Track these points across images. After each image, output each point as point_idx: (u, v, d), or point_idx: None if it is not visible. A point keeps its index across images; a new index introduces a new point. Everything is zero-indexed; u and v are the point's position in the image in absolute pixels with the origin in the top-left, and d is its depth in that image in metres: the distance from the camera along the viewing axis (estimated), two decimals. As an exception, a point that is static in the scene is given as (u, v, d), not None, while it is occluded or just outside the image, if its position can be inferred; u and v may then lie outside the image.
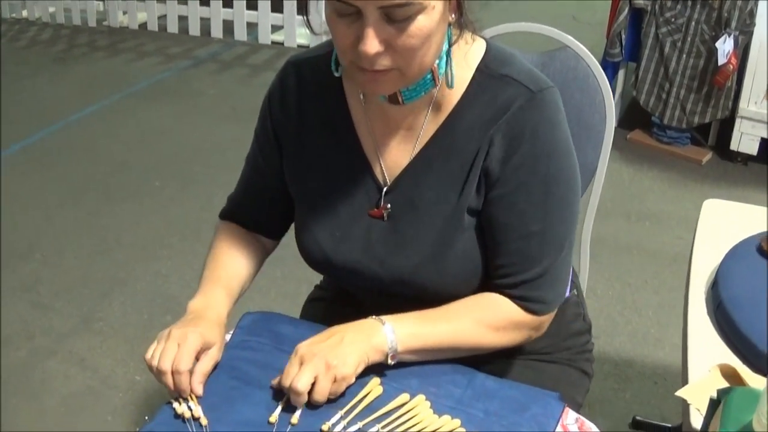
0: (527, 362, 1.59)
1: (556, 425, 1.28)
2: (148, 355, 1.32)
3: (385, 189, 1.41)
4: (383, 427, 1.24)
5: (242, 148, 1.58)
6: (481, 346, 1.39)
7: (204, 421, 1.25)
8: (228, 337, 1.47)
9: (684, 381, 1.44)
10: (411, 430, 1.24)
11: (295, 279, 2.98)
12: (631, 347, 2.84)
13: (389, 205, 1.41)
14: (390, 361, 1.33)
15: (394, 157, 1.41)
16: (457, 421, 1.25)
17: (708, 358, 1.46)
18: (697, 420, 1.33)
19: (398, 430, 1.24)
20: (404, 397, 1.29)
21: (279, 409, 1.27)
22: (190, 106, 4.82)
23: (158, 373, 1.30)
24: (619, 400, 2.62)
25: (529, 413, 1.28)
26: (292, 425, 1.24)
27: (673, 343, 2.86)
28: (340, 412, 1.26)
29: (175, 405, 1.28)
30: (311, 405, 1.27)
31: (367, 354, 1.30)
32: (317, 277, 1.71)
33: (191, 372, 1.29)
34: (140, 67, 5.48)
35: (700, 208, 3.60)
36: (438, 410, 1.27)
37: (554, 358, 1.60)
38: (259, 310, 1.52)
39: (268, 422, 1.25)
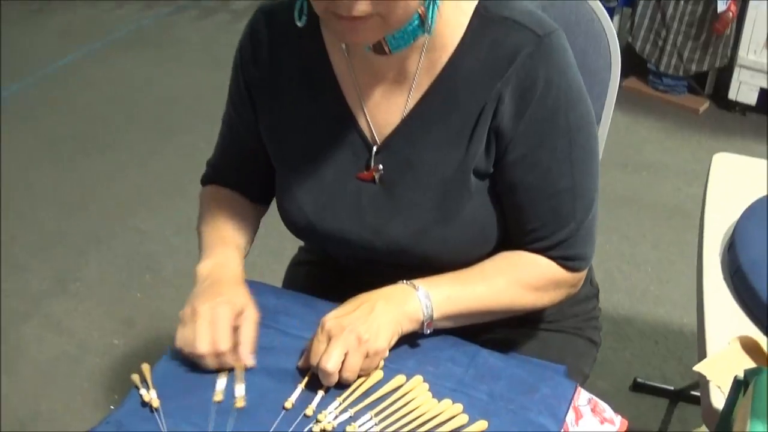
0: (532, 332, 1.48)
1: (568, 408, 1.17)
2: (179, 343, 1.20)
3: (374, 148, 1.28)
4: (376, 414, 1.12)
5: (224, 98, 1.45)
6: (520, 307, 1.30)
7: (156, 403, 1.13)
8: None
9: (701, 354, 1.33)
10: (407, 417, 1.12)
11: (279, 235, 2.86)
12: (629, 304, 2.75)
13: (381, 167, 1.28)
14: (426, 330, 1.22)
15: (384, 113, 1.28)
16: (459, 406, 1.13)
17: (726, 328, 1.35)
18: (718, 399, 1.21)
19: (393, 417, 1.12)
20: (400, 379, 1.17)
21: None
22: (171, 55, 4.65)
23: (197, 358, 1.18)
24: (618, 360, 2.53)
25: (539, 395, 1.17)
26: (286, 409, 1.14)
27: (674, 300, 2.77)
28: (339, 399, 1.14)
29: (142, 392, 1.15)
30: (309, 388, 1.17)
31: (401, 324, 1.19)
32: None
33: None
34: (121, 15, 5.29)
35: (698, 159, 3.56)
36: (437, 393, 1.16)
37: (560, 327, 1.49)
38: None
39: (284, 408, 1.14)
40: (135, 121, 3.89)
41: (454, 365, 1.21)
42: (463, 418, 1.12)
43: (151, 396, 1.13)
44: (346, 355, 1.13)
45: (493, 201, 1.28)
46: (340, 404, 1.14)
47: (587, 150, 1.26)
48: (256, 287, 1.34)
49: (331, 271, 1.52)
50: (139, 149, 3.65)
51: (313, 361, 1.15)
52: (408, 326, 1.21)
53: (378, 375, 1.18)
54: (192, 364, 1.19)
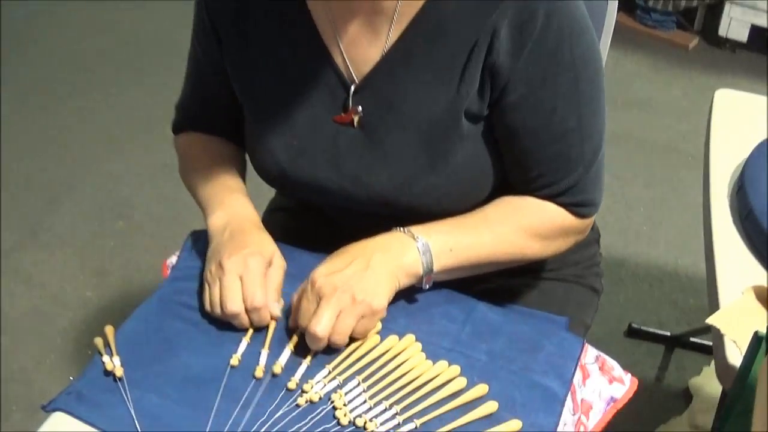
0: (531, 281, 1.37)
1: (575, 368, 1.07)
2: (207, 305, 1.09)
3: (353, 88, 1.15)
4: (364, 380, 1.02)
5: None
6: (526, 257, 1.20)
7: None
8: (172, 261, 1.24)
9: (712, 305, 1.24)
10: (400, 382, 1.02)
11: (256, 176, 2.75)
12: (622, 246, 2.66)
13: (360, 108, 1.15)
14: (425, 285, 1.12)
15: (363, 49, 1.14)
16: (456, 368, 1.04)
17: (739, 276, 1.26)
18: (733, 355, 1.12)
19: (384, 382, 1.02)
20: (392, 339, 1.07)
21: (241, 349, 1.06)
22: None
23: (230, 318, 1.08)
24: (612, 304, 2.44)
25: (543, 354, 1.07)
26: (275, 375, 1.03)
27: (668, 241, 2.69)
28: (328, 367, 1.04)
29: (105, 359, 1.04)
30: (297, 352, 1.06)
31: (398, 279, 1.09)
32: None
33: None
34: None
35: (689, 96, 3.46)
36: (432, 354, 1.06)
37: (561, 275, 1.39)
38: None
39: (230, 366, 1.04)
40: (104, 62, 3.74)
41: (450, 322, 1.11)
42: (461, 382, 1.02)
43: (114, 364, 1.02)
44: (339, 316, 1.03)
45: (487, 146, 1.16)
46: (330, 372, 1.03)
47: (594, 86, 1.14)
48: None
49: (312, 219, 1.40)
50: (111, 91, 3.50)
51: (302, 322, 1.05)
52: (405, 281, 1.10)
53: (374, 339, 1.08)
54: (162, 326, 1.08)
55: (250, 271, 1.07)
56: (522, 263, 1.21)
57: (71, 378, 1.02)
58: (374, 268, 1.06)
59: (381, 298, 1.05)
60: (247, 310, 1.07)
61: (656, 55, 3.84)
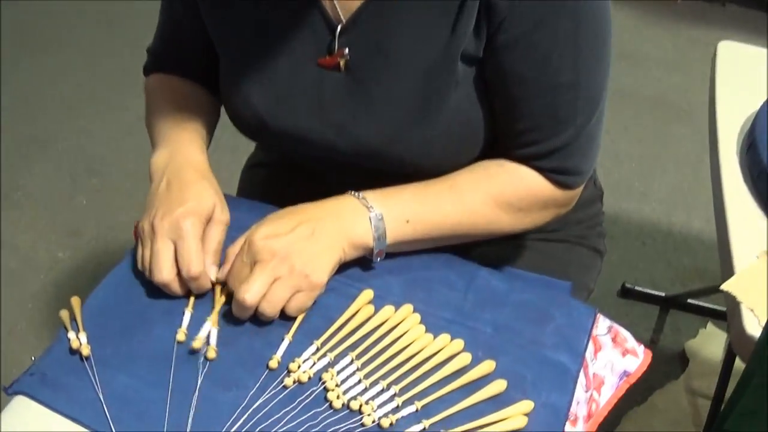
0: (530, 243, 1.28)
1: (588, 341, 0.98)
2: (140, 266, 0.99)
3: (339, 28, 1.04)
4: (358, 357, 0.93)
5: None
6: (496, 231, 1.08)
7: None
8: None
9: (726, 270, 1.16)
10: (398, 358, 0.93)
11: (224, 147, 2.64)
12: (614, 202, 2.57)
13: (347, 51, 1.04)
14: (376, 258, 1.01)
15: None
16: (460, 342, 0.94)
17: (753, 239, 1.17)
18: (751, 324, 1.04)
19: (380, 359, 0.93)
20: (387, 311, 0.97)
21: (185, 322, 0.96)
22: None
23: (161, 286, 0.97)
24: (604, 263, 2.35)
25: (552, 326, 0.98)
26: (199, 352, 0.93)
27: (660, 197, 2.62)
28: (316, 343, 0.94)
29: (70, 336, 0.94)
30: (259, 321, 0.96)
31: (344, 251, 0.98)
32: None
33: None
34: None
35: (678, 49, 3.36)
36: (432, 327, 0.96)
37: (563, 236, 1.30)
38: None
39: (178, 342, 0.94)
40: (77, 14, 3.60)
41: (450, 290, 1.01)
42: (465, 358, 0.93)
43: (80, 341, 0.92)
44: (272, 286, 0.93)
45: (480, 94, 1.05)
46: (318, 349, 0.94)
47: (598, 39, 1.02)
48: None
49: (294, 175, 1.30)
50: (83, 46, 3.37)
51: (232, 284, 0.95)
52: (353, 254, 1.00)
53: (367, 310, 0.98)
54: (133, 296, 0.98)
55: (184, 235, 0.96)
56: (490, 237, 1.10)
57: (32, 358, 0.91)
58: (319, 237, 0.96)
59: (321, 273, 0.95)
60: (179, 281, 0.97)
61: (644, 7, 3.73)
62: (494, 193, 1.05)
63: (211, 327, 0.94)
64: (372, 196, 1.02)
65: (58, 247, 2.40)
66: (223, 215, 1.02)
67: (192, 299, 0.97)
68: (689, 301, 2.19)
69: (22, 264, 2.34)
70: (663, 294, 2.22)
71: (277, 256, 0.93)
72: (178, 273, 0.97)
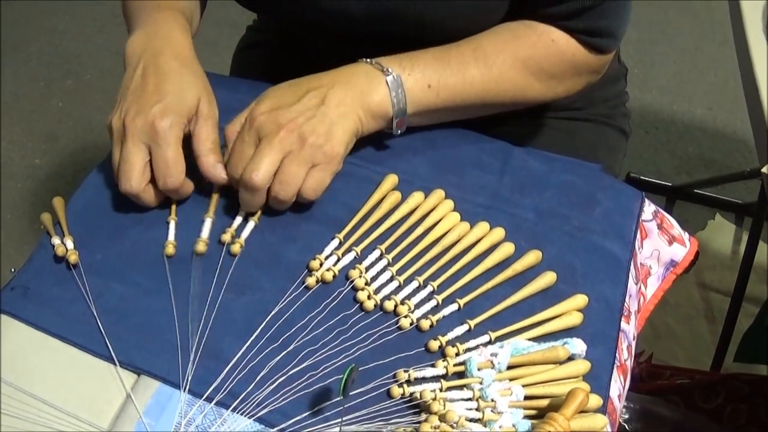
0: (555, 122, 1.15)
1: (637, 227, 0.87)
2: (113, 168, 0.83)
3: None
4: (387, 250, 0.81)
5: None
6: (525, 98, 0.95)
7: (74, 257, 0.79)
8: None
9: (761, 156, 1.05)
10: (432, 251, 0.81)
11: (214, 22, 2.47)
12: (612, 89, 2.45)
13: None
14: (396, 130, 0.88)
15: None
16: (500, 230, 0.83)
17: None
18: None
19: (412, 252, 0.81)
20: (417, 197, 0.85)
21: (207, 229, 0.82)
22: None
23: (131, 197, 0.83)
24: (605, 153, 2.25)
25: (599, 210, 0.87)
26: (198, 253, 0.81)
27: (660, 85, 2.50)
28: (339, 236, 0.82)
29: (54, 242, 0.81)
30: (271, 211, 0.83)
31: (361, 120, 0.85)
32: (248, 17, 1.20)
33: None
34: None
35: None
36: (467, 215, 0.84)
37: (589, 115, 1.17)
38: None
39: (195, 253, 0.81)
40: None
41: (484, 172, 0.89)
42: (509, 248, 0.81)
43: (66, 246, 0.80)
44: (283, 162, 0.79)
45: None
46: (341, 243, 0.81)
47: None
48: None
49: (294, 53, 1.15)
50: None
51: (235, 171, 0.81)
52: (371, 124, 0.87)
53: (394, 197, 0.85)
54: (122, 195, 0.85)
55: (160, 140, 0.80)
56: (521, 106, 0.97)
57: (12, 270, 0.78)
58: (330, 104, 0.82)
59: (337, 142, 0.81)
60: (154, 192, 0.83)
61: None
62: (523, 56, 0.92)
63: (210, 220, 0.82)
64: (388, 61, 0.88)
65: (34, 153, 2.27)
66: (211, 110, 0.86)
67: (174, 206, 0.84)
68: (696, 191, 2.10)
69: (-3, 174, 2.21)
70: (669, 184, 2.13)
71: (284, 128, 0.79)
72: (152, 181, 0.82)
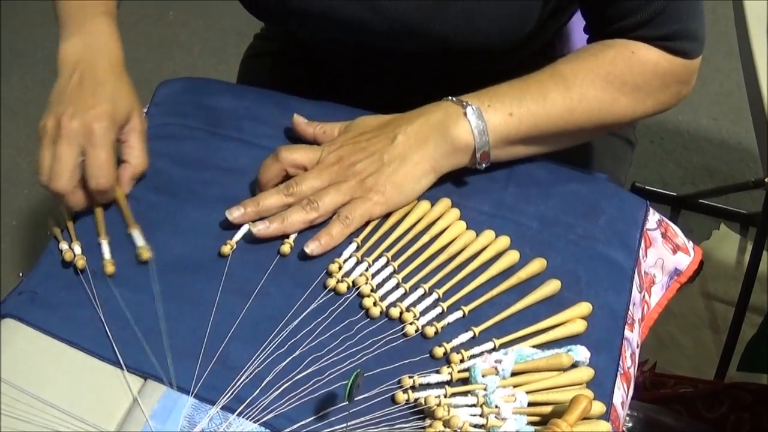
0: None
1: (641, 236, 0.87)
2: (37, 167, 0.85)
3: None
4: (393, 258, 0.81)
5: None
6: (614, 117, 0.91)
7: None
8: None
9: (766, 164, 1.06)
10: (438, 258, 0.81)
11: (222, 30, 2.48)
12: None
13: None
14: (481, 164, 0.86)
15: None
16: (506, 239, 0.83)
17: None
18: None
19: (419, 260, 0.81)
20: (423, 206, 0.85)
21: (239, 235, 0.83)
22: None
23: (57, 198, 0.83)
24: (611, 164, 2.26)
25: (604, 219, 0.87)
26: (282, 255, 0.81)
27: (667, 94, 2.49)
28: (356, 241, 0.82)
29: (62, 247, 0.82)
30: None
31: (437, 159, 0.85)
32: (255, 25, 1.20)
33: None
34: None
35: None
36: (473, 223, 0.85)
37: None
38: (175, 75, 1.02)
39: (220, 254, 0.81)
40: None
41: (490, 181, 0.89)
42: (513, 256, 0.82)
43: (74, 252, 0.80)
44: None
45: None
46: (359, 247, 0.82)
47: None
48: (207, 85, 1.00)
49: (301, 62, 1.16)
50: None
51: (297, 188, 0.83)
52: (450, 161, 0.86)
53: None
54: (133, 198, 0.86)
55: (95, 142, 0.82)
56: (610, 128, 0.94)
57: (20, 274, 0.79)
58: (408, 144, 0.84)
59: (404, 196, 0.85)
60: (83, 193, 0.84)
61: None
62: (604, 72, 0.89)
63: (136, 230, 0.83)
64: (467, 96, 0.87)
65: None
66: (141, 123, 0.88)
67: (103, 227, 0.84)
68: (701, 201, 2.10)
69: (4, 180, 2.22)
70: (674, 194, 2.13)
71: (351, 168, 0.83)
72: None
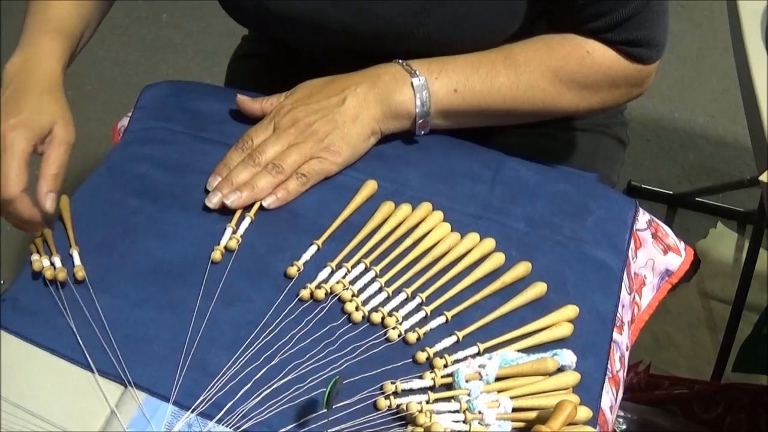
0: (553, 132, 1.14)
1: (630, 236, 0.86)
2: None
3: None
4: (373, 262, 0.80)
5: None
6: (555, 108, 0.95)
7: (81, 273, 0.78)
8: (124, 124, 1.00)
9: (760, 165, 1.04)
10: (421, 263, 0.80)
11: (215, 32, 2.48)
12: (615, 97, 2.44)
13: None
14: (419, 131, 0.91)
15: None
16: (491, 241, 0.82)
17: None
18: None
19: (400, 264, 0.80)
20: (405, 209, 0.84)
21: (227, 236, 0.82)
22: None
23: None
24: (607, 162, 2.24)
25: (592, 219, 0.86)
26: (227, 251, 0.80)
27: (661, 93, 2.49)
28: (316, 243, 0.81)
29: (33, 257, 0.80)
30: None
31: (381, 121, 0.90)
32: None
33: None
34: None
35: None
36: (457, 225, 0.84)
37: (587, 125, 1.16)
38: (169, 77, 1.01)
39: (212, 262, 0.80)
40: None
41: (475, 181, 0.88)
42: (499, 258, 0.81)
43: (54, 265, 0.79)
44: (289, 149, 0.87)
45: None
46: (318, 248, 0.81)
47: None
48: (190, 89, 0.99)
49: (289, 64, 1.15)
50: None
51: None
52: (390, 124, 0.91)
53: (387, 206, 0.85)
54: (114, 203, 0.86)
55: (6, 149, 0.81)
56: (551, 116, 0.97)
57: (1, 282, 0.78)
58: (348, 105, 0.88)
59: (344, 142, 0.88)
60: None
61: None
62: (555, 66, 0.92)
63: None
64: (417, 63, 0.90)
65: (35, 164, 2.22)
66: (65, 134, 0.87)
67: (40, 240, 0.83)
68: (698, 199, 2.09)
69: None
70: (671, 192, 2.12)
71: (301, 121, 0.87)
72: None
